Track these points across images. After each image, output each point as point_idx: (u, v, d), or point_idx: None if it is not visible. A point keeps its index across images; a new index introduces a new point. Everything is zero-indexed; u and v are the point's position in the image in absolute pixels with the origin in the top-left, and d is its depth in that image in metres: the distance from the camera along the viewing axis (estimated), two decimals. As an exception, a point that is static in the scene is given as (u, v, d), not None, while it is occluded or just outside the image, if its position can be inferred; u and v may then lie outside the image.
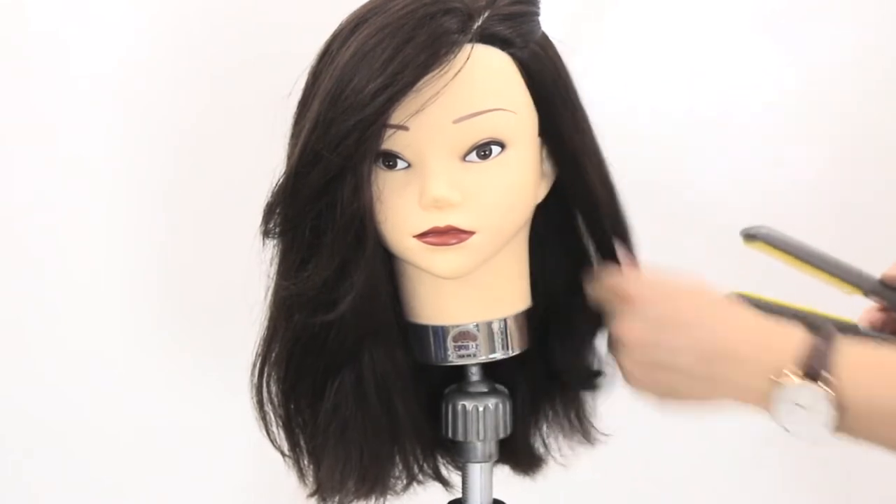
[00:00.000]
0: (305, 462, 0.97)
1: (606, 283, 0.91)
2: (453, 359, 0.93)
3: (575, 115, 0.90)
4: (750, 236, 0.88)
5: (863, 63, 1.36)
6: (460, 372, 0.96)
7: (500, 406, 0.96)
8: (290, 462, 0.97)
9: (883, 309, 0.92)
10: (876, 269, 1.39)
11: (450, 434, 0.96)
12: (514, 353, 0.94)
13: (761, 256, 0.91)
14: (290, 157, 0.88)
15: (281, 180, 0.88)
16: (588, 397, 1.02)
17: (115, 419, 1.35)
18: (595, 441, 1.03)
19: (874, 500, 1.41)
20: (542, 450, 1.03)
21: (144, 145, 1.31)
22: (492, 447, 0.97)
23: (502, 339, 0.93)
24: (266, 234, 0.90)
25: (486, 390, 0.96)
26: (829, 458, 1.37)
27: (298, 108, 0.89)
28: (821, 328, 0.81)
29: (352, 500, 0.98)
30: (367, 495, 0.98)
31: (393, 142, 0.85)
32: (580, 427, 1.02)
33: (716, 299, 0.87)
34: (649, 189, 1.36)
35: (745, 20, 1.35)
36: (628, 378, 0.88)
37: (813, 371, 0.79)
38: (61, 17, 1.29)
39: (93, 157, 1.31)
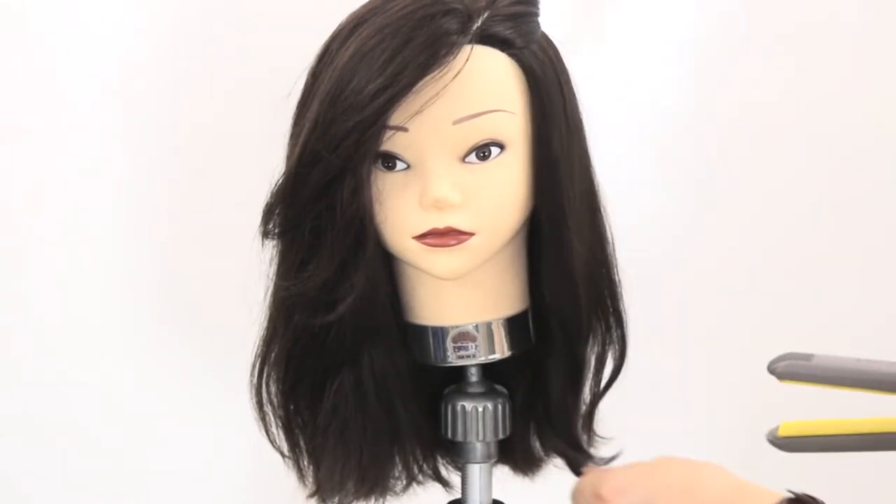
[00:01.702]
0: (305, 462, 0.97)
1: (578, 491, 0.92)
2: (453, 359, 0.93)
3: (570, 118, 0.90)
4: (776, 374, 0.81)
5: (863, 63, 1.36)
6: (460, 372, 0.96)
7: (500, 407, 0.95)
8: (290, 462, 0.97)
9: None
10: (883, 272, 1.39)
11: (449, 435, 0.96)
12: (513, 354, 0.94)
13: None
14: (289, 158, 0.88)
15: (280, 181, 0.88)
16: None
17: (114, 419, 1.35)
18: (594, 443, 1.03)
19: None
20: (541, 450, 1.03)
21: (144, 145, 1.31)
22: (491, 448, 0.97)
23: (502, 340, 0.93)
24: (265, 234, 0.90)
25: (485, 391, 0.96)
26: (825, 470, 1.37)
27: (298, 108, 0.89)
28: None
29: (351, 501, 0.98)
30: (366, 496, 0.98)
31: (392, 143, 0.85)
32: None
33: (684, 471, 0.87)
34: (648, 189, 1.36)
35: (744, 20, 1.35)
36: None
37: None
38: (61, 16, 1.29)
39: (92, 158, 1.31)
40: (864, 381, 0.81)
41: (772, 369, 0.81)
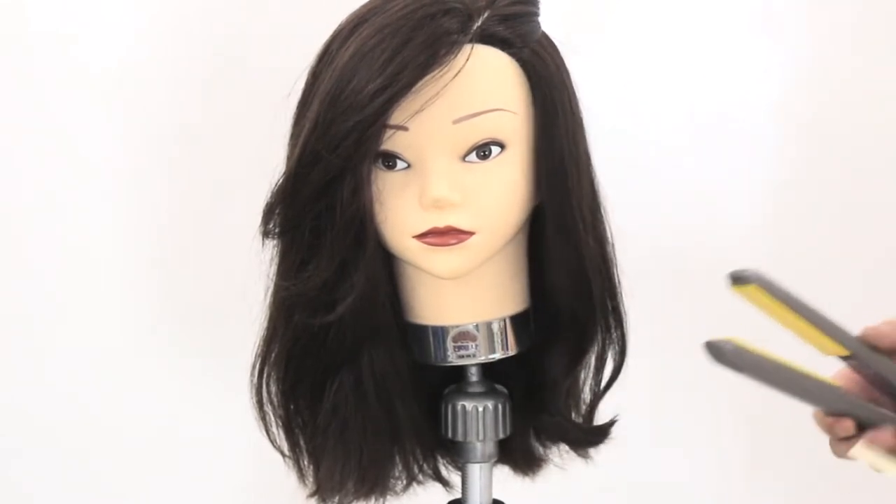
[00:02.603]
0: (305, 462, 0.97)
1: None
2: (453, 359, 0.93)
3: (573, 117, 0.90)
4: (740, 279, 0.78)
5: (864, 64, 1.36)
6: (460, 372, 0.96)
7: (500, 406, 0.95)
8: (290, 462, 0.98)
9: (858, 374, 0.86)
10: (878, 269, 1.39)
11: (449, 434, 0.96)
12: (513, 354, 0.94)
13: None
14: (289, 158, 0.88)
15: (280, 181, 0.88)
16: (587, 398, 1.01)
17: (114, 419, 1.35)
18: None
19: None
20: (541, 450, 1.03)
21: (144, 145, 1.31)
22: (491, 447, 0.97)
23: (502, 340, 0.93)
24: (266, 234, 0.90)
25: (485, 391, 0.96)
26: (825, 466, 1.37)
27: (298, 108, 0.89)
28: None
29: (351, 501, 0.98)
30: (366, 496, 0.98)
31: (393, 142, 0.85)
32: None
33: None
34: (648, 190, 1.36)
35: (745, 20, 1.36)
36: None
37: None
38: (61, 16, 1.29)
39: (92, 157, 1.31)
40: (816, 320, 0.80)
41: (738, 274, 0.77)
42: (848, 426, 0.83)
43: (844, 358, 0.84)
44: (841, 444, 0.85)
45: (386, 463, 0.98)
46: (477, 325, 0.92)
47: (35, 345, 1.34)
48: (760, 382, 0.78)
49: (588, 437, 1.00)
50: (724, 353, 0.75)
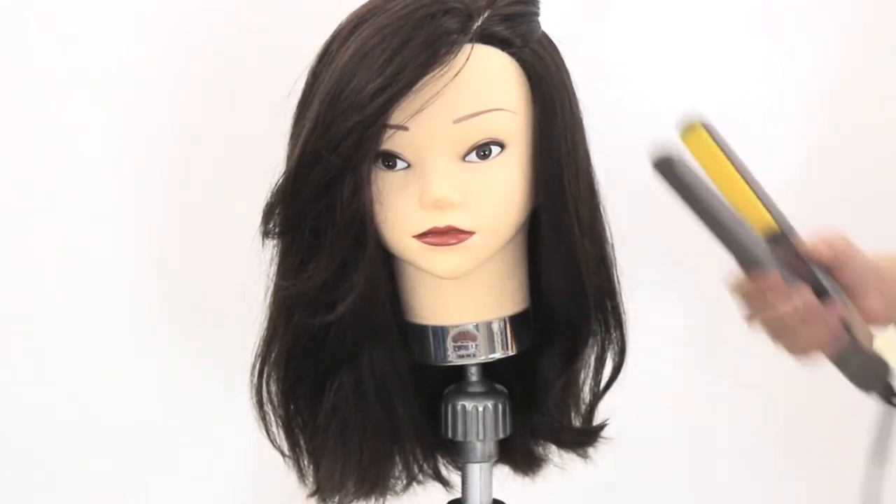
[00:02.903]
0: (305, 462, 0.97)
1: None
2: (453, 359, 0.93)
3: (573, 117, 0.90)
4: (689, 123, 0.77)
5: (864, 63, 1.36)
6: (460, 372, 0.96)
7: (500, 406, 0.95)
8: (290, 462, 0.98)
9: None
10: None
11: (449, 434, 0.96)
12: (513, 353, 0.94)
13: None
14: (289, 158, 0.88)
15: (281, 181, 0.88)
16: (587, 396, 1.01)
17: (114, 419, 1.35)
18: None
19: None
20: (541, 450, 1.03)
21: (144, 145, 1.31)
22: (491, 447, 0.97)
23: (502, 339, 0.93)
24: (266, 234, 0.90)
25: (485, 390, 0.96)
26: (827, 458, 1.37)
27: (298, 108, 0.89)
28: None
29: (351, 501, 0.98)
30: (366, 495, 0.98)
31: (393, 142, 0.85)
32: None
33: None
34: (648, 190, 1.36)
35: (745, 20, 1.36)
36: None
37: None
38: (61, 16, 1.29)
39: (92, 157, 1.31)
40: (756, 186, 0.79)
41: (690, 120, 0.77)
42: (776, 279, 0.82)
43: (771, 239, 0.82)
44: (761, 307, 0.83)
45: (386, 463, 0.98)
46: (477, 325, 0.92)
47: (35, 345, 1.34)
48: (692, 210, 0.75)
49: (579, 438, 1.00)
50: (670, 164, 0.72)
